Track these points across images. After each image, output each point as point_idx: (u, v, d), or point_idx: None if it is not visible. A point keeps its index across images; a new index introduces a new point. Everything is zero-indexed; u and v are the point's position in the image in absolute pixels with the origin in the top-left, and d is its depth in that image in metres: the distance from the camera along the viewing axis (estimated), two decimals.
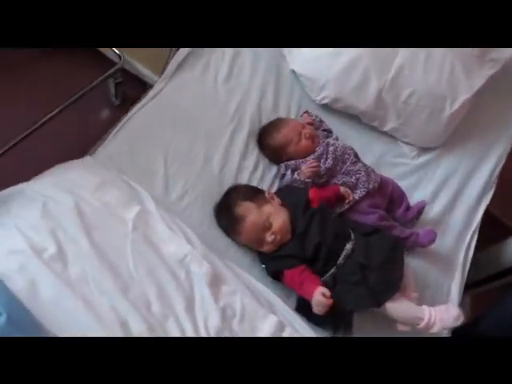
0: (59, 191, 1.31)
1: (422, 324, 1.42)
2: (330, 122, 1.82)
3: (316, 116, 1.79)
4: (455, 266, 1.75)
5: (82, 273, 1.23)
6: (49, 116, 1.87)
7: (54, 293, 1.18)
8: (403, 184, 1.80)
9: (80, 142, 1.70)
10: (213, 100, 1.69)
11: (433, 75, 1.76)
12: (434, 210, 1.81)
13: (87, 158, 1.45)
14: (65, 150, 1.61)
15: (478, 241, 1.84)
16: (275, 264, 1.45)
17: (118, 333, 1.19)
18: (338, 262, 1.47)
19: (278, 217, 1.47)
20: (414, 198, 1.80)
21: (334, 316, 1.41)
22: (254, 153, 1.67)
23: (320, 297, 1.34)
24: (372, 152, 1.84)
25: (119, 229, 1.32)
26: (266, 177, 1.66)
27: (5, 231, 1.24)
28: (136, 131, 1.55)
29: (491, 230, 2.29)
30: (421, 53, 1.75)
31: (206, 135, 1.62)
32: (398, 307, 1.45)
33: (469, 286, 2.03)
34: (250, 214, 1.46)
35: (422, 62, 1.75)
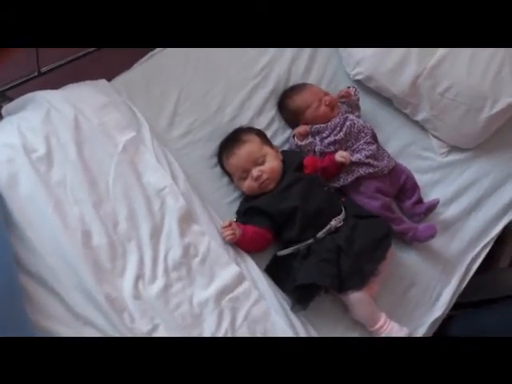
0: (64, 102, 1.42)
1: (371, 328, 1.45)
2: (363, 100, 1.77)
3: (356, 94, 1.72)
4: (455, 272, 1.66)
5: (63, 179, 1.34)
6: None
7: (31, 189, 1.30)
8: (423, 178, 1.74)
9: None
10: (243, 52, 1.71)
11: (477, 71, 1.65)
12: (449, 212, 1.72)
13: (102, 81, 1.54)
14: None
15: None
16: (245, 218, 1.48)
17: (78, 240, 1.28)
18: (318, 236, 1.46)
19: (273, 160, 1.52)
20: (430, 195, 1.72)
21: (299, 287, 1.41)
22: (271, 112, 1.69)
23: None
24: (399, 139, 1.78)
25: (108, 148, 1.41)
26: (276, 138, 1.67)
27: (7, 127, 1.39)
28: (158, 65, 1.62)
29: None
30: None
31: (226, 83, 1.66)
32: (360, 301, 1.44)
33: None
34: (252, 143, 1.52)
35: (468, 55, 1.64)
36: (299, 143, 1.60)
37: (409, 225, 1.61)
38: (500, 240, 1.95)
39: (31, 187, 1.30)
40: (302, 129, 1.62)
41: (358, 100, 1.73)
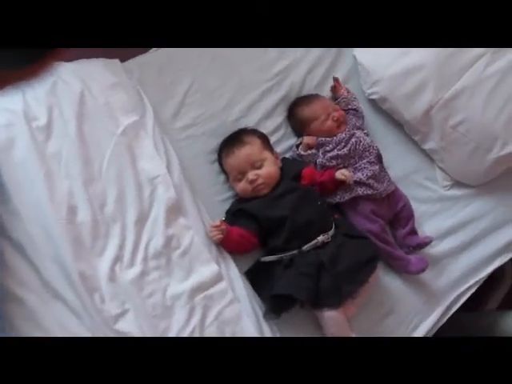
0: (73, 76, 1.43)
1: None
2: (374, 120, 1.77)
3: (352, 94, 1.72)
4: (436, 307, 1.62)
5: (58, 151, 1.36)
6: None
7: (25, 156, 1.32)
8: (421, 208, 1.71)
9: None
10: (262, 53, 1.70)
11: (492, 110, 1.61)
12: (441, 246, 1.68)
13: (115, 60, 1.54)
14: None
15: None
16: (233, 218, 1.48)
17: (62, 214, 1.29)
18: (303, 248, 1.45)
19: (272, 166, 1.51)
20: (425, 226, 1.70)
21: (275, 296, 1.40)
22: (279, 118, 1.68)
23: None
24: (403, 164, 1.75)
25: (109, 128, 1.42)
26: (280, 144, 1.66)
27: (12, 93, 1.38)
28: (174, 53, 1.61)
29: None
30: (488, 83, 1.61)
31: (239, 82, 1.65)
32: (334, 321, 1.42)
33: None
34: (253, 145, 1.51)
35: (486, 92, 1.61)
36: (302, 153, 1.59)
37: (403, 254, 1.59)
38: (491, 281, 1.93)
39: (26, 154, 1.32)
40: (310, 140, 1.60)
41: (356, 99, 1.73)
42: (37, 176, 1.30)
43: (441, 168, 1.76)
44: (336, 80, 1.75)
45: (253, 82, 1.66)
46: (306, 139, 1.61)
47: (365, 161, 1.61)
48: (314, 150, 1.61)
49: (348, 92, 1.74)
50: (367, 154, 1.62)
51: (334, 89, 1.75)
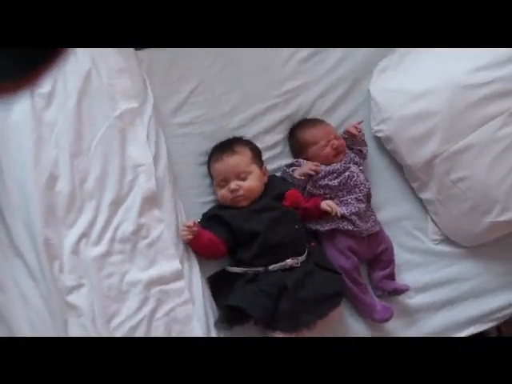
0: (86, 55, 1.47)
1: None
2: (376, 158, 1.74)
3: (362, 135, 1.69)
4: None
5: (54, 121, 1.41)
6: None
7: (22, 118, 1.38)
8: (405, 256, 1.68)
9: None
10: (277, 69, 1.70)
11: (498, 173, 1.56)
12: (417, 299, 1.65)
13: (130, 49, 1.57)
14: None
15: None
16: (208, 223, 1.49)
17: (42, 180, 1.34)
18: (270, 267, 1.45)
19: (256, 181, 1.51)
20: (405, 275, 1.66)
21: (231, 308, 1.40)
22: (279, 136, 1.67)
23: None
24: (396, 209, 1.72)
25: (107, 109, 1.46)
26: (274, 162, 1.65)
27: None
28: (188, 51, 1.62)
29: None
30: (499, 144, 1.55)
31: (246, 92, 1.66)
32: None
33: None
34: (242, 156, 1.52)
35: (495, 153, 1.55)
36: (296, 176, 1.57)
37: (369, 299, 1.57)
38: None
39: (23, 116, 1.37)
40: (314, 168, 1.56)
41: (363, 136, 1.69)
42: (28, 138, 1.35)
43: (433, 221, 1.71)
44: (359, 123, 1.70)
45: (260, 95, 1.66)
46: (312, 167, 1.57)
47: (353, 196, 1.59)
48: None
49: (360, 135, 1.69)
50: (357, 190, 1.60)
51: (353, 128, 1.67)
